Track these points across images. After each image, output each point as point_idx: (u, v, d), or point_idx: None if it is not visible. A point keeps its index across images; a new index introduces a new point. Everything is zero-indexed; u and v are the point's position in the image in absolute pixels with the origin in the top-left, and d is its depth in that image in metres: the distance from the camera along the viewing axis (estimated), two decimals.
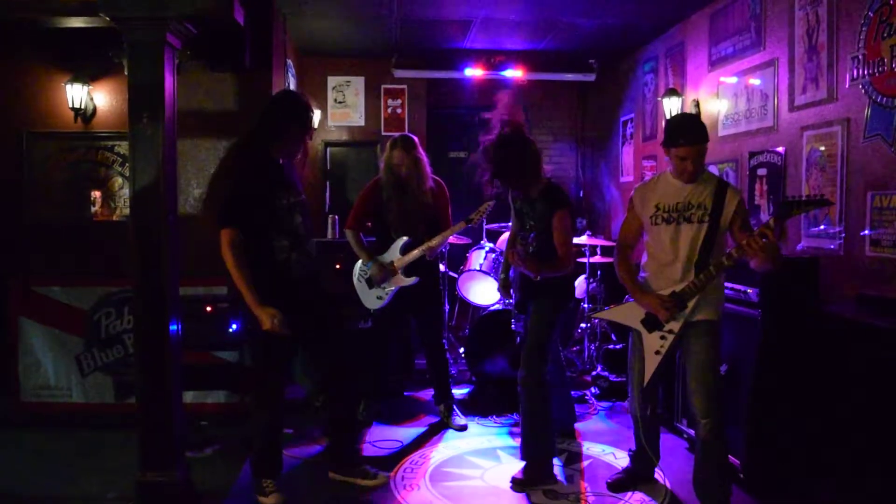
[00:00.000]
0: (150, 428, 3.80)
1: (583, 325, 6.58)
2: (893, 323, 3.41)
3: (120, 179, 5.51)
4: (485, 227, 6.59)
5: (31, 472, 4.37)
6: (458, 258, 6.74)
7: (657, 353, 3.60)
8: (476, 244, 6.43)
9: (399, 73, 7.63)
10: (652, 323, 3.63)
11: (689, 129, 3.51)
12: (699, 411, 3.51)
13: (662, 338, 3.59)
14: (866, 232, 3.92)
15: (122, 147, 5.45)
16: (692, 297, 3.48)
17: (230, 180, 3.55)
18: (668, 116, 6.18)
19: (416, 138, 4.98)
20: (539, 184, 4.24)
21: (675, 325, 3.56)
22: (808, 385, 3.85)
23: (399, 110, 7.97)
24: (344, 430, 4.17)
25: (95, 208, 5.50)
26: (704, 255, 3.49)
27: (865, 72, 3.94)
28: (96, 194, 5.51)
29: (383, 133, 7.87)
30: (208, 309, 5.07)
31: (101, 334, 5.30)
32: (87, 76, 5.44)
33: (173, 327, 3.81)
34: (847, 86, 4.10)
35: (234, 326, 5.09)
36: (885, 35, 3.78)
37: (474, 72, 7.52)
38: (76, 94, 5.37)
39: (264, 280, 3.67)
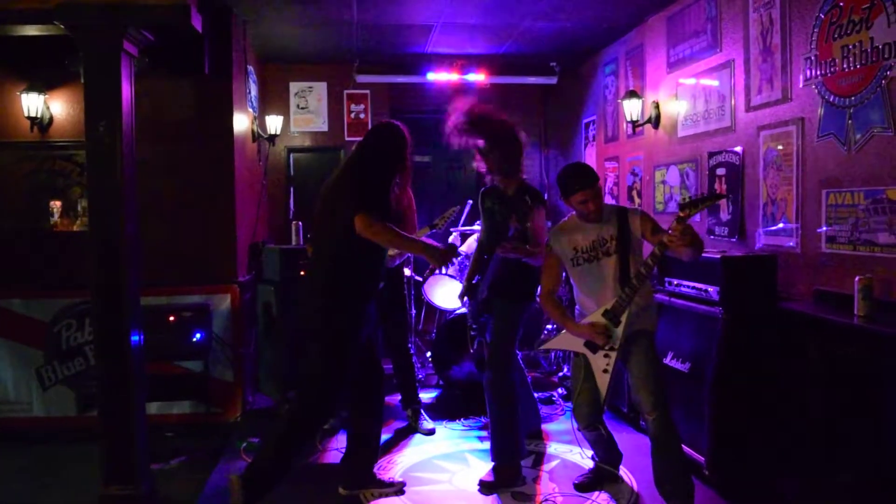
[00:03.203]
0: (113, 440, 3.75)
1: (549, 326, 6.62)
2: (849, 318, 3.48)
3: (79, 189, 5.41)
4: (451, 229, 6.59)
5: None
6: (423, 262, 6.73)
7: (605, 371, 3.71)
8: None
9: (361, 79, 7.63)
10: (594, 345, 3.75)
11: (581, 175, 3.79)
12: (647, 406, 3.61)
13: (606, 356, 3.71)
14: (822, 229, 4.00)
15: (81, 156, 5.33)
16: (624, 309, 3.63)
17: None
18: (627, 118, 6.25)
19: None
20: (516, 180, 4.36)
21: (615, 343, 3.68)
22: (770, 381, 3.92)
23: (362, 115, 7.96)
24: (367, 445, 4.04)
25: (55, 218, 5.39)
26: (626, 273, 3.69)
27: (818, 72, 4.01)
28: (55, 204, 5.40)
29: (347, 138, 7.85)
30: (171, 318, 5.02)
31: (63, 346, 5.23)
32: (43, 85, 5.35)
33: (135, 338, 3.77)
34: (801, 86, 4.18)
35: (198, 336, 5.05)
36: (836, 36, 3.86)
37: (436, 76, 7.54)
38: (32, 103, 5.27)
39: (370, 282, 3.83)
